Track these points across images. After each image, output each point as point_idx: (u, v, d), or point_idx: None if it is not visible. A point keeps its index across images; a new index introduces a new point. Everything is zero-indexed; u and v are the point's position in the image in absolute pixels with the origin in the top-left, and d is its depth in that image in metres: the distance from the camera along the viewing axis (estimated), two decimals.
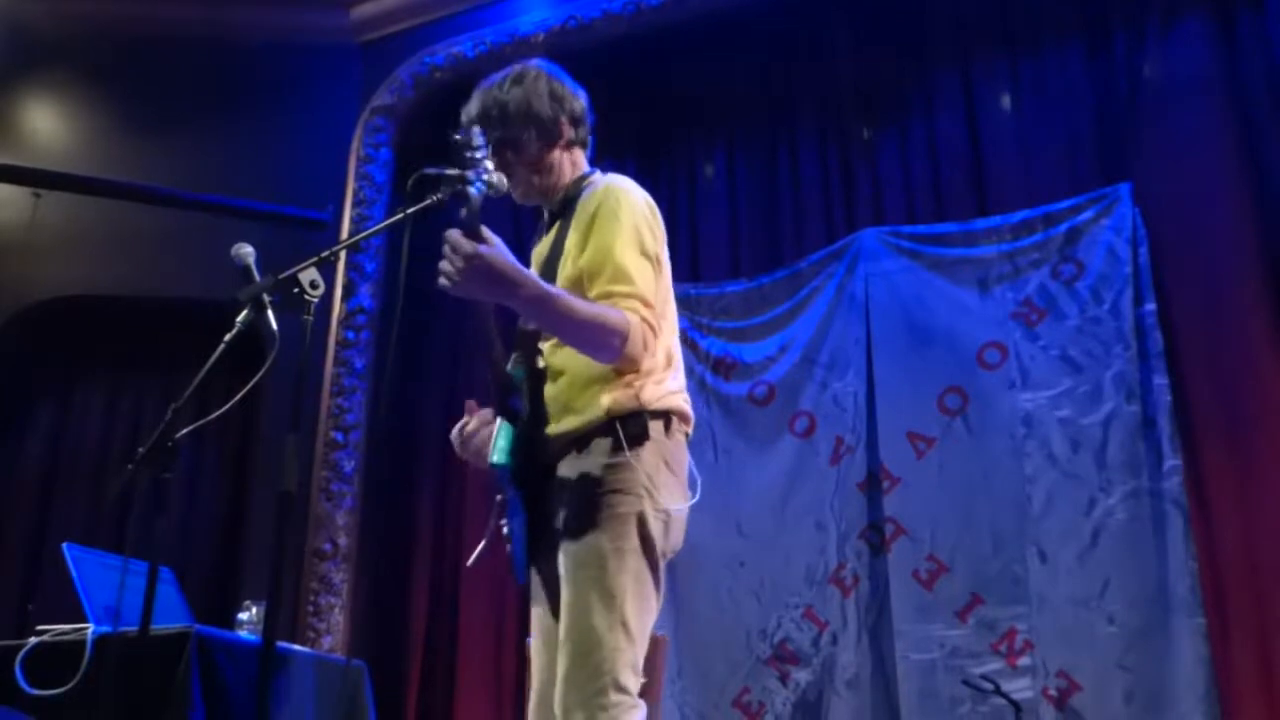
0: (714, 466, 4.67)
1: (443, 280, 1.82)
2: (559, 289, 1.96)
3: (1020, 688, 3.93)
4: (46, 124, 5.63)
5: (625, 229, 2.03)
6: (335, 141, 5.53)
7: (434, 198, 2.02)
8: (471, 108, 2.23)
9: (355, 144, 5.54)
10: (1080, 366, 4.18)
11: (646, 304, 1.99)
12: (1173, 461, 3.94)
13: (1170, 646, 3.79)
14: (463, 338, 5.49)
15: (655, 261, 2.07)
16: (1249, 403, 3.93)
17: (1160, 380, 4.03)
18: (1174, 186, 4.22)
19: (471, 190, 1.86)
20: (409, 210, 2.00)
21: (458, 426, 2.19)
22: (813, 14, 5.07)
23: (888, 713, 4.15)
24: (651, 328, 1.99)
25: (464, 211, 1.83)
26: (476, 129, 1.93)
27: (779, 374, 4.75)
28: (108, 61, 5.60)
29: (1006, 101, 4.73)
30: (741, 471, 4.66)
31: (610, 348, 1.94)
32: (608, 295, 1.98)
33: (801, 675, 4.34)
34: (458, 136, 1.91)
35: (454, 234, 1.81)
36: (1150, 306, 4.12)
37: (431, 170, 1.99)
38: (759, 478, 4.63)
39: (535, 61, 2.28)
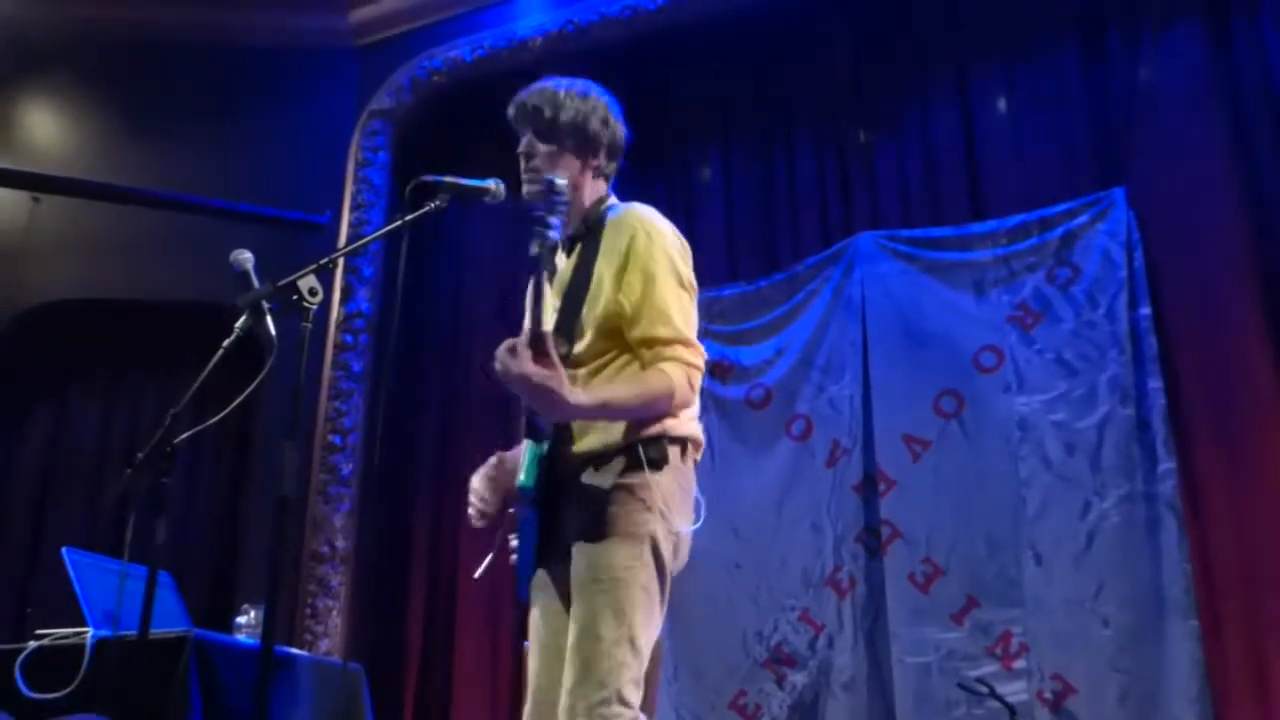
0: (710, 470, 4.68)
1: (498, 367, 1.89)
2: (594, 394, 1.98)
3: (1015, 690, 3.94)
4: (45, 128, 5.64)
5: (662, 263, 2.07)
6: (333, 145, 5.54)
7: (432, 205, 2.03)
8: (530, 96, 2.23)
9: (353, 148, 5.55)
10: (1075, 370, 4.19)
11: (687, 344, 2.05)
12: (1167, 465, 3.95)
13: (1164, 649, 3.80)
14: (459, 341, 5.51)
15: (691, 291, 2.13)
16: (1243, 406, 3.94)
17: (1155, 384, 4.04)
18: (1169, 191, 4.24)
19: (552, 235, 1.96)
20: (408, 217, 2.01)
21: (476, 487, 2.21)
22: (809, 18, 5.08)
23: (883, 715, 4.16)
24: (695, 367, 2.05)
25: (528, 325, 1.90)
26: (561, 181, 1.99)
27: (775, 377, 4.76)
28: (106, 65, 5.60)
29: (1002, 105, 4.75)
30: (738, 474, 4.67)
31: (662, 411, 2.02)
32: (649, 342, 2.04)
33: (798, 678, 4.35)
34: (547, 180, 2.00)
35: (521, 344, 1.87)
36: (1145, 310, 4.14)
37: (429, 178, 2.01)
38: (755, 481, 4.64)
39: (600, 90, 2.30)
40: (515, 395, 1.96)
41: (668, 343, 2.03)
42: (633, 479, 2.00)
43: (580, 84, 2.27)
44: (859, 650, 4.24)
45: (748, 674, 4.43)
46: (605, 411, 1.99)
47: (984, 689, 3.90)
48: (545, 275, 1.94)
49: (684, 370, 2.02)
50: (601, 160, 2.24)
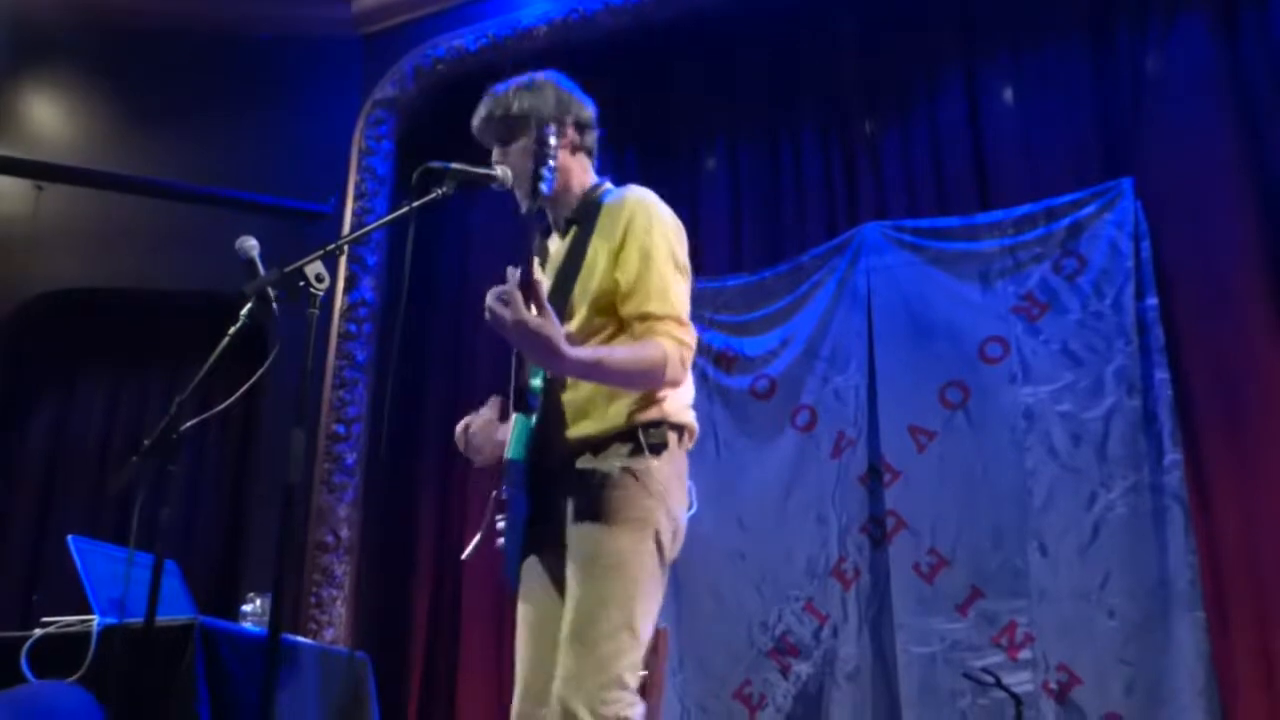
0: (715, 460, 4.68)
1: (490, 317, 1.85)
2: (592, 350, 1.98)
3: (1021, 681, 3.94)
4: (49, 117, 5.63)
5: (659, 244, 2.07)
6: (337, 134, 5.54)
7: (438, 191, 2.02)
8: (480, 111, 2.23)
9: (357, 136, 5.54)
10: (1081, 361, 4.18)
11: (681, 323, 2.04)
12: (1173, 456, 3.94)
13: (1170, 640, 3.80)
14: (464, 331, 5.50)
15: (686, 275, 2.12)
16: (1250, 397, 3.93)
17: (1161, 375, 4.03)
18: (1176, 181, 4.22)
19: (543, 187, 1.92)
20: (414, 204, 2.00)
21: (462, 423, 2.20)
22: (816, 7, 5.06)
23: (888, 705, 4.16)
24: (686, 346, 2.03)
25: (517, 270, 1.83)
26: (550, 128, 1.96)
27: (780, 368, 4.75)
28: (110, 54, 5.59)
29: (1009, 95, 4.72)
30: (743, 465, 4.66)
31: (653, 382, 2.01)
32: (644, 316, 2.03)
33: (802, 667, 4.35)
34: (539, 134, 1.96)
35: (513, 290, 1.82)
36: (1152, 301, 4.12)
37: (436, 164, 2.00)
38: (760, 471, 4.64)
39: (545, 73, 2.28)
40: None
41: (661, 318, 2.02)
42: (635, 464, 2.00)
43: (523, 76, 2.26)
44: (863, 640, 4.24)
45: (752, 664, 4.44)
46: (598, 369, 1.95)
47: (989, 679, 3.90)
48: (536, 240, 1.89)
49: (677, 347, 2.01)
50: (572, 133, 2.22)
